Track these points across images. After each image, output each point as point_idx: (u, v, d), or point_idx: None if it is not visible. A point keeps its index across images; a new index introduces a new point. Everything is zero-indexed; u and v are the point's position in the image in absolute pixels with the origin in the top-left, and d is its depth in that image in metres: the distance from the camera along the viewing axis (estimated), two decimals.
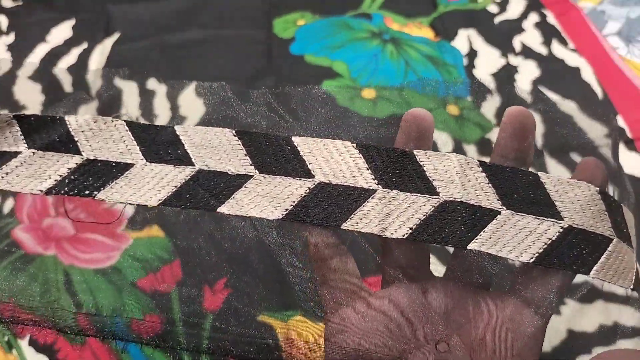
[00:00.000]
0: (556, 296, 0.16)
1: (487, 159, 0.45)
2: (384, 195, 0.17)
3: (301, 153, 0.18)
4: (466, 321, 0.17)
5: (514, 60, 0.52)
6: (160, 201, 0.17)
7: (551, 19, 0.56)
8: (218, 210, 0.17)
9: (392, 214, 0.17)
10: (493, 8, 0.58)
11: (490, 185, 0.17)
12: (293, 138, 0.18)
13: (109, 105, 0.48)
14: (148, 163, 0.18)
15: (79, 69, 0.52)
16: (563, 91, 0.48)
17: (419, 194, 0.17)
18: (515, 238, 0.16)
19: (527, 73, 0.50)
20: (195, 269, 0.37)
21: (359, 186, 0.17)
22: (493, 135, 0.45)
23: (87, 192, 0.17)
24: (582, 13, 0.56)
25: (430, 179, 0.17)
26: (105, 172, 0.18)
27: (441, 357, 0.16)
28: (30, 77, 0.51)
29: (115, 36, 0.55)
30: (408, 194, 0.17)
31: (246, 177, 0.18)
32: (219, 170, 0.18)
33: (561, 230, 0.16)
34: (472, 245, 0.16)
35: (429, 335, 0.16)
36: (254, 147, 0.18)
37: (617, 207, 0.17)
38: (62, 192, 0.17)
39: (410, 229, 0.16)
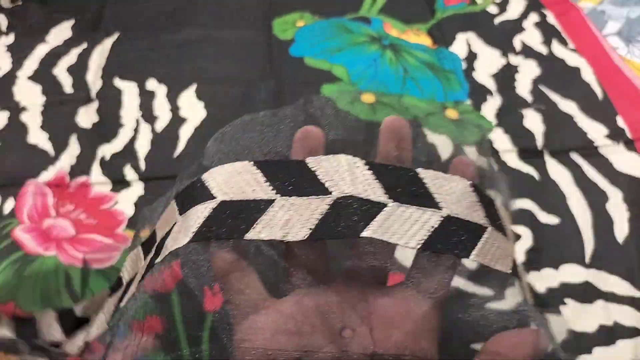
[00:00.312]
0: (440, 281, 0.18)
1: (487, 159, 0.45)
2: (283, 203, 0.18)
3: (205, 183, 0.19)
4: (367, 314, 0.18)
5: (514, 59, 0.52)
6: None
7: (551, 18, 0.56)
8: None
9: (292, 219, 0.18)
10: (493, 9, 0.58)
11: (376, 180, 0.18)
12: (202, 176, 0.20)
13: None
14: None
15: (78, 69, 0.52)
16: (563, 91, 0.48)
17: (313, 196, 0.18)
18: (403, 227, 0.18)
19: (527, 72, 0.50)
20: (195, 269, 0.37)
21: (258, 198, 0.18)
22: (493, 135, 0.45)
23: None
24: (582, 13, 0.56)
25: (322, 181, 0.18)
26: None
27: (346, 343, 0.17)
28: (30, 78, 0.51)
29: (115, 36, 0.55)
30: (304, 197, 0.18)
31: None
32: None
33: (441, 218, 0.18)
34: (365, 233, 0.17)
35: (335, 329, 0.18)
36: (181, 199, 0.20)
37: (489, 200, 0.19)
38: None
39: (310, 229, 0.18)
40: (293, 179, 0.18)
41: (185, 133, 0.46)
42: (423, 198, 0.18)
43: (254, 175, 0.19)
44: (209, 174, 0.19)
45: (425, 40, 0.54)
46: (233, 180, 0.19)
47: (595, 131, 0.45)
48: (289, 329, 0.17)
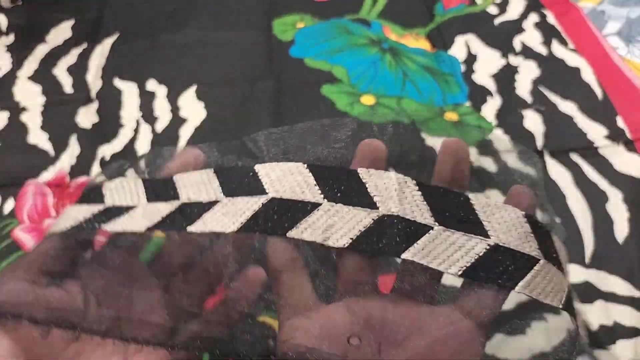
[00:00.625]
0: (491, 309, 0.18)
1: (488, 160, 0.45)
2: (329, 208, 0.19)
3: (259, 176, 0.20)
4: (409, 333, 0.18)
5: (514, 60, 0.52)
6: (147, 227, 0.21)
7: (551, 19, 0.56)
8: (187, 229, 0.20)
9: (335, 225, 0.18)
10: (493, 9, 0.58)
11: (424, 202, 0.18)
12: (255, 166, 0.21)
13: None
14: (149, 203, 0.22)
15: (78, 69, 0.52)
16: (563, 91, 0.48)
17: (360, 208, 0.18)
18: (446, 252, 0.18)
19: (527, 73, 0.50)
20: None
21: (306, 200, 0.19)
22: (493, 136, 0.45)
23: (99, 225, 0.22)
24: (582, 13, 0.56)
25: (371, 194, 0.19)
26: (117, 213, 0.22)
27: (353, 353, 0.17)
28: (31, 78, 0.51)
29: (115, 36, 0.55)
30: (351, 207, 0.19)
31: (215, 202, 0.21)
32: (195, 200, 0.21)
33: (488, 247, 0.18)
34: (405, 255, 0.18)
35: (379, 342, 0.18)
36: (226, 178, 0.21)
37: (545, 232, 0.19)
38: (87, 226, 0.22)
39: (351, 239, 0.18)
40: (342, 186, 0.19)
41: (185, 133, 0.46)
42: (471, 224, 0.18)
43: (306, 177, 0.19)
44: (263, 167, 0.20)
45: (424, 44, 0.54)
46: (285, 179, 0.19)
47: (595, 132, 0.45)
48: (334, 335, 0.18)
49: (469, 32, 0.55)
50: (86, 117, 0.47)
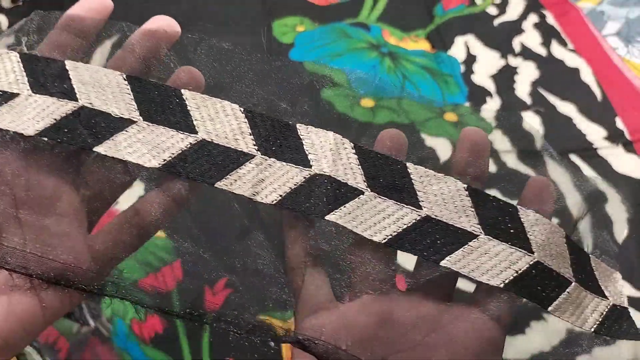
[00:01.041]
0: (513, 308, 0.17)
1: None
2: (261, 162, 0.18)
3: (188, 107, 0.18)
4: (428, 332, 0.17)
5: (513, 61, 0.52)
6: (37, 132, 0.17)
7: (550, 19, 0.56)
8: (94, 149, 0.17)
9: (266, 180, 0.17)
10: (492, 10, 0.58)
11: (359, 166, 0.18)
12: (183, 91, 0.18)
13: None
14: (33, 94, 0.18)
15: None
16: (562, 93, 0.48)
17: (293, 165, 0.18)
18: (373, 218, 0.17)
19: (526, 74, 0.50)
20: (195, 270, 0.37)
21: (239, 149, 0.18)
22: (493, 137, 0.45)
23: None
24: (581, 13, 0.57)
25: (307, 152, 0.18)
26: None
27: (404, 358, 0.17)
28: None
29: (115, 37, 0.55)
30: (284, 163, 0.18)
31: (129, 122, 0.18)
32: (102, 110, 0.18)
33: (418, 218, 0.17)
34: (329, 217, 0.17)
35: (388, 346, 0.17)
36: (142, 94, 0.18)
37: (497, 206, 0.18)
38: None
39: (280, 196, 0.17)
40: (278, 140, 0.18)
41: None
42: (405, 193, 0.17)
43: (241, 123, 0.18)
44: (193, 96, 0.18)
45: (424, 45, 0.54)
46: (219, 119, 0.18)
47: (594, 133, 0.45)
48: (350, 333, 0.17)
49: (469, 33, 0.55)
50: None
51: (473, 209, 0.17)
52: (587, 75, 0.50)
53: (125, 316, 0.35)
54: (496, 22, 0.56)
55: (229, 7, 0.59)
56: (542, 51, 0.53)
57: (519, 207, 0.18)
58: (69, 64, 0.19)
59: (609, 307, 0.17)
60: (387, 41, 0.54)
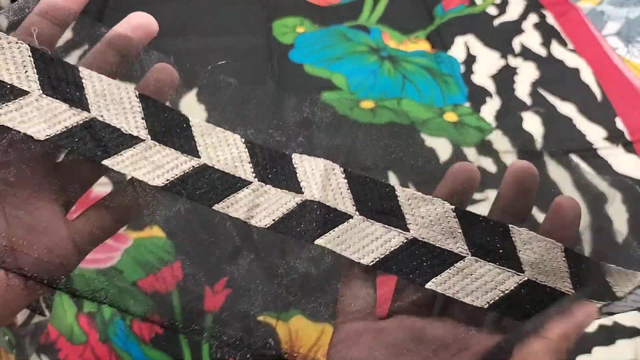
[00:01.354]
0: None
1: (487, 160, 0.45)
2: (257, 188, 0.19)
3: (193, 133, 0.19)
4: (457, 351, 0.17)
5: (513, 61, 0.52)
6: (48, 137, 0.17)
7: (550, 19, 0.56)
8: (102, 162, 0.18)
9: (261, 205, 0.18)
10: (492, 10, 0.58)
11: (349, 190, 0.19)
12: (190, 118, 0.20)
13: None
14: (44, 96, 0.18)
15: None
16: (562, 93, 0.48)
17: (287, 191, 0.19)
18: (362, 242, 0.18)
19: (526, 75, 0.50)
20: (195, 269, 0.37)
21: (237, 175, 0.19)
22: (492, 137, 0.45)
23: None
24: (581, 13, 0.57)
25: (299, 179, 0.19)
26: (1, 93, 0.17)
27: None
28: None
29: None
30: (278, 189, 0.19)
31: (138, 139, 0.18)
32: (112, 124, 0.18)
33: (405, 240, 0.18)
34: (318, 241, 0.18)
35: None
36: (152, 114, 0.19)
37: (485, 226, 0.18)
38: None
39: (273, 220, 0.18)
40: (275, 168, 0.19)
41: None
42: (392, 216, 0.18)
43: (241, 152, 0.19)
44: (199, 126, 0.20)
45: (424, 46, 0.54)
46: (221, 147, 0.19)
47: (594, 133, 0.45)
48: (385, 345, 0.18)
49: (469, 33, 0.55)
50: None
51: (461, 231, 0.18)
52: (587, 76, 0.50)
53: (125, 316, 0.35)
54: (496, 22, 0.56)
55: (229, 8, 0.59)
56: (542, 51, 0.53)
57: (511, 226, 0.18)
58: (83, 72, 0.19)
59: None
60: (386, 44, 0.54)
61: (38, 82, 0.18)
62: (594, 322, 0.16)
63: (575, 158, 0.44)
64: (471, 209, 0.41)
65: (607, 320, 0.34)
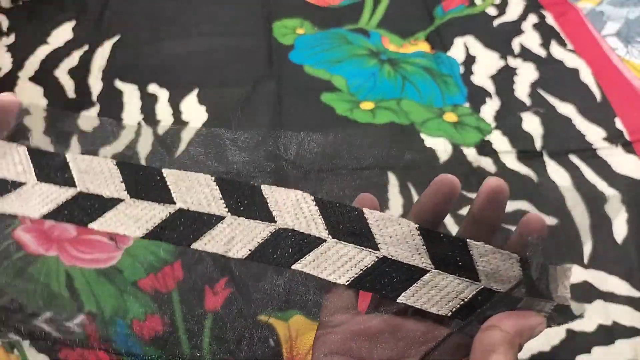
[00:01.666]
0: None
1: (486, 160, 0.45)
2: (232, 222, 0.20)
3: (167, 182, 0.21)
4: (425, 341, 0.20)
5: (512, 62, 0.52)
6: (42, 215, 0.21)
7: (550, 20, 0.56)
8: (89, 225, 0.21)
9: (236, 238, 0.20)
10: (492, 10, 0.58)
11: (320, 216, 0.20)
12: (163, 170, 0.22)
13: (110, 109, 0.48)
14: (38, 182, 0.22)
15: (80, 72, 0.52)
16: (561, 93, 0.48)
17: (260, 221, 0.20)
18: (336, 263, 0.19)
19: (525, 75, 0.51)
20: (196, 270, 0.37)
21: (211, 213, 0.20)
22: (492, 137, 0.45)
23: None
24: (581, 14, 0.57)
25: (271, 209, 0.20)
26: (2, 187, 0.22)
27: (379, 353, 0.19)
28: (32, 79, 0.51)
29: (115, 38, 0.55)
30: (252, 220, 0.20)
31: (118, 200, 0.21)
32: (96, 193, 0.22)
33: (376, 259, 0.19)
34: (295, 266, 0.19)
35: (395, 351, 0.20)
36: (130, 175, 0.22)
37: (446, 242, 0.19)
38: None
39: (250, 250, 0.20)
40: (246, 201, 0.20)
41: (186, 135, 0.46)
42: (363, 237, 0.19)
43: (212, 190, 0.21)
44: (171, 174, 0.22)
45: (424, 47, 0.54)
46: (194, 189, 0.21)
47: (594, 134, 0.45)
48: (363, 335, 0.20)
49: (468, 34, 0.55)
50: (87, 120, 0.48)
51: (425, 247, 0.19)
52: (587, 76, 0.50)
53: (125, 316, 0.35)
54: (496, 22, 0.56)
55: (229, 9, 0.59)
56: (541, 52, 0.53)
57: (468, 240, 0.19)
58: (69, 156, 0.23)
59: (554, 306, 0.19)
60: (386, 48, 0.54)
61: (34, 173, 0.22)
62: (542, 331, 0.18)
63: (574, 158, 0.44)
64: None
65: (607, 320, 0.34)
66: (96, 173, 0.22)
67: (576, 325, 0.34)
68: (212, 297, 0.36)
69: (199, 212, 0.20)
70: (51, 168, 0.22)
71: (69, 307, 0.35)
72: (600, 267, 0.37)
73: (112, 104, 0.49)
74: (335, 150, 0.45)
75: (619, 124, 0.46)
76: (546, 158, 0.44)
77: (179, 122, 0.47)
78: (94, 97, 0.50)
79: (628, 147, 0.44)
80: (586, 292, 0.36)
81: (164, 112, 0.48)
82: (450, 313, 0.19)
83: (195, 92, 0.50)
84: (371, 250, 0.19)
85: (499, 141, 0.45)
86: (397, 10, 0.58)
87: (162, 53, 0.54)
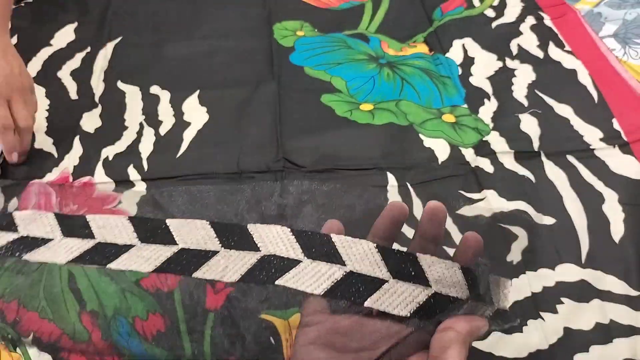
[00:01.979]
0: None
1: (484, 160, 0.46)
2: (225, 254, 0.25)
3: (171, 230, 0.26)
4: (389, 339, 0.24)
5: (510, 63, 0.52)
6: (68, 260, 0.26)
7: (548, 21, 0.57)
8: (107, 266, 0.26)
9: (229, 266, 0.25)
10: (490, 12, 0.58)
11: (297, 243, 0.24)
12: (167, 220, 0.27)
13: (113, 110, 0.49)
14: (64, 237, 0.27)
15: (82, 73, 0.52)
16: (559, 94, 0.49)
17: (247, 251, 0.25)
18: (312, 278, 0.23)
19: (523, 77, 0.51)
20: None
21: (208, 249, 0.26)
22: (490, 138, 0.46)
23: (20, 254, 0.27)
24: (578, 15, 0.57)
25: (256, 242, 0.25)
26: (34, 243, 0.28)
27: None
28: (34, 80, 0.52)
29: (118, 39, 0.56)
30: (241, 251, 0.25)
31: (130, 246, 0.27)
32: (112, 242, 0.27)
33: (344, 273, 0.23)
34: (278, 282, 0.23)
35: (360, 342, 0.24)
36: (140, 226, 0.27)
37: (400, 256, 0.24)
38: (6, 253, 0.27)
39: (241, 274, 0.24)
40: (236, 237, 0.25)
41: (188, 136, 0.47)
42: (332, 256, 0.24)
43: (208, 231, 0.26)
44: (172, 222, 0.27)
45: (422, 49, 0.55)
46: (192, 233, 0.26)
47: (591, 134, 0.45)
48: (335, 330, 0.24)
49: (466, 36, 0.55)
50: (90, 121, 0.48)
51: (383, 261, 0.23)
52: (584, 77, 0.50)
53: (127, 314, 0.35)
54: (494, 24, 0.57)
55: (230, 11, 0.59)
56: (539, 53, 0.53)
57: (417, 254, 0.23)
58: (89, 217, 0.28)
59: (496, 311, 0.24)
60: (385, 52, 0.55)
61: (60, 231, 0.28)
62: (486, 330, 0.23)
63: (572, 159, 0.44)
64: (470, 208, 0.41)
65: (604, 319, 0.35)
66: (112, 227, 0.27)
67: (574, 324, 0.34)
68: (214, 295, 0.36)
69: (197, 249, 0.25)
70: (74, 226, 0.28)
71: (71, 307, 0.36)
72: (598, 267, 0.37)
73: (114, 105, 0.49)
74: (335, 151, 0.45)
75: (616, 124, 0.46)
76: (544, 158, 0.44)
77: (181, 123, 0.48)
78: (97, 99, 0.50)
79: (625, 147, 0.44)
80: (584, 291, 0.36)
81: (165, 113, 0.49)
82: (409, 314, 0.23)
83: (196, 93, 0.50)
84: (340, 265, 0.23)
85: (497, 142, 0.46)
86: (396, 13, 0.59)
87: (163, 54, 0.54)
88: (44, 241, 0.27)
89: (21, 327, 0.35)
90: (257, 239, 0.25)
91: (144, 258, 0.26)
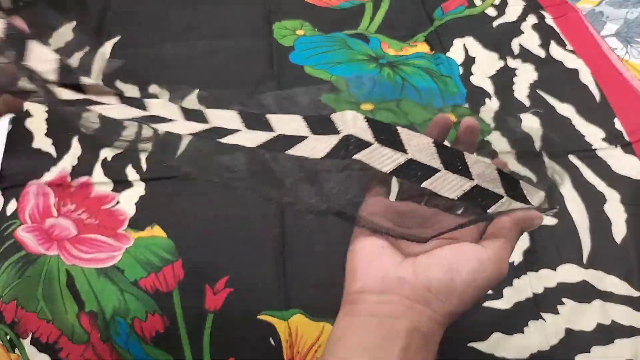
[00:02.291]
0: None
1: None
2: (314, 137, 0.29)
3: (270, 121, 0.31)
4: (433, 223, 0.28)
5: (512, 63, 0.52)
6: (190, 133, 0.31)
7: (549, 20, 0.57)
8: (218, 140, 0.29)
9: (317, 146, 0.28)
10: (491, 11, 0.58)
11: (369, 129, 0.28)
12: (267, 115, 0.31)
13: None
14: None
15: (81, 71, 0.52)
16: (561, 94, 0.49)
17: (330, 134, 0.28)
18: (381, 159, 0.27)
19: (525, 76, 0.51)
20: (196, 269, 0.37)
21: (299, 135, 0.29)
22: (491, 137, 0.45)
23: (149, 123, 0.32)
24: (580, 14, 0.57)
25: (337, 127, 0.29)
26: (159, 119, 0.33)
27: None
28: None
29: (116, 38, 0.55)
30: (324, 136, 0.28)
31: (237, 130, 0.31)
32: (223, 126, 0.32)
33: (406, 159, 0.27)
34: (356, 156, 0.26)
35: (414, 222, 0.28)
36: (245, 118, 0.32)
37: (450, 152, 0.28)
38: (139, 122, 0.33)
39: (326, 152, 0.27)
40: (321, 124, 0.29)
41: (187, 135, 0.46)
42: (396, 144, 0.27)
43: (299, 123, 0.30)
44: (271, 116, 0.31)
45: (423, 48, 0.55)
46: (287, 124, 0.30)
47: (593, 134, 0.45)
48: (393, 210, 0.28)
49: (467, 35, 0.55)
50: (89, 121, 0.48)
51: (437, 155, 0.27)
52: (586, 76, 0.50)
53: (126, 315, 0.35)
54: (495, 23, 0.57)
55: (230, 11, 0.59)
56: (540, 52, 0.53)
57: (465, 152, 0.27)
58: (205, 110, 0.34)
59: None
60: (386, 52, 0.55)
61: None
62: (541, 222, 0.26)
63: (574, 159, 0.44)
64: None
65: (605, 320, 0.35)
66: (224, 117, 0.32)
67: (575, 325, 0.34)
68: (213, 296, 0.36)
69: (291, 135, 0.29)
70: (193, 114, 0.33)
71: (69, 307, 0.35)
72: (600, 267, 0.37)
73: None
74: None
75: (618, 124, 0.46)
76: (545, 159, 0.44)
77: None
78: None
79: (627, 147, 0.44)
80: (585, 292, 0.36)
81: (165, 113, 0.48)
82: (456, 197, 0.26)
83: (195, 92, 0.50)
84: (402, 153, 0.27)
85: (498, 141, 0.45)
86: (397, 13, 0.58)
87: (162, 54, 0.54)
88: (169, 120, 0.33)
89: (20, 327, 0.35)
90: (338, 124, 0.29)
91: (249, 139, 0.29)
